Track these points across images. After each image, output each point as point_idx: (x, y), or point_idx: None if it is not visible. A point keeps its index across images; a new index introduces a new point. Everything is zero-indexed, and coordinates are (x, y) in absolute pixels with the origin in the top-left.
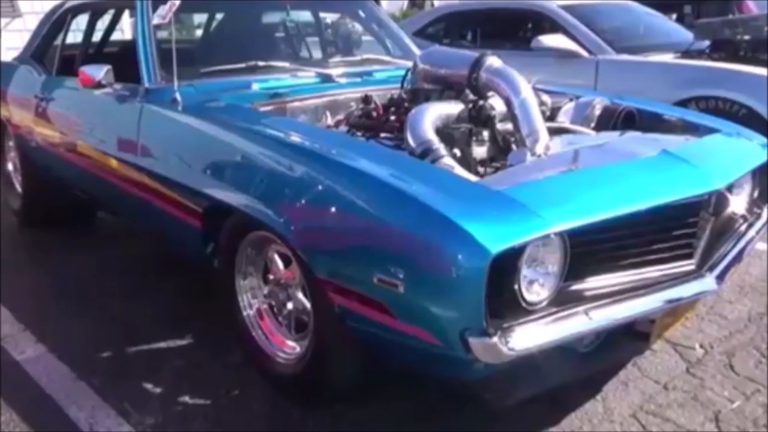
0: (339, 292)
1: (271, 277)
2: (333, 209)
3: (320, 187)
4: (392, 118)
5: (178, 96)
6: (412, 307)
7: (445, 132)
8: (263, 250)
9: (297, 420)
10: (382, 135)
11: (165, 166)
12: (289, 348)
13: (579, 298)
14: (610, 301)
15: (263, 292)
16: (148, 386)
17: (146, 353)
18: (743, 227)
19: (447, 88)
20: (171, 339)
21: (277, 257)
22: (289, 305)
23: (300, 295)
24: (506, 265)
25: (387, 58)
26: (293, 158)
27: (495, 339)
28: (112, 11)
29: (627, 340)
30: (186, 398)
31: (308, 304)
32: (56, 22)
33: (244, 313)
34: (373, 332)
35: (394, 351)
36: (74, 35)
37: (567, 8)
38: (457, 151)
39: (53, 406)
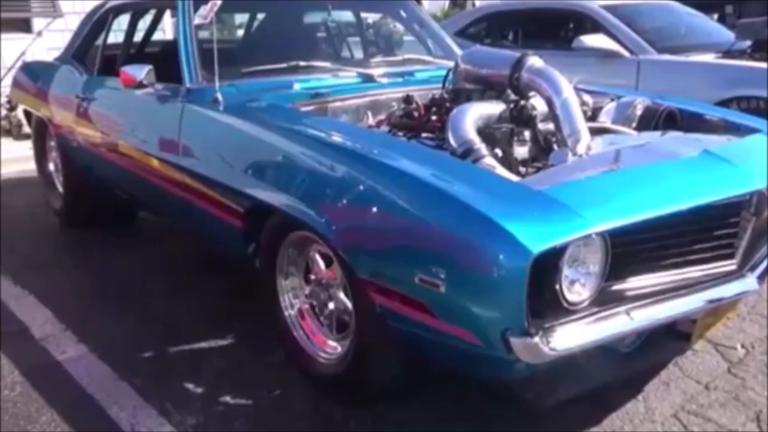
0: (380, 292)
1: (312, 277)
2: (374, 209)
3: (362, 187)
4: (434, 118)
5: (219, 96)
6: (453, 307)
7: (486, 132)
8: (304, 250)
9: (338, 420)
10: (424, 135)
11: (206, 166)
12: (331, 348)
13: (620, 298)
14: (652, 301)
15: (305, 292)
16: (190, 386)
17: (188, 353)
18: None
19: (488, 88)
20: (212, 339)
21: (318, 257)
22: (331, 305)
23: (341, 295)
24: (547, 265)
25: (428, 58)
26: (335, 158)
27: (536, 339)
28: (153, 11)
29: (668, 340)
30: (227, 398)
31: (350, 304)
32: (97, 22)
33: (286, 313)
34: (415, 332)
35: (435, 351)
36: (115, 35)
37: (608, 8)
38: (498, 151)
39: (94, 406)
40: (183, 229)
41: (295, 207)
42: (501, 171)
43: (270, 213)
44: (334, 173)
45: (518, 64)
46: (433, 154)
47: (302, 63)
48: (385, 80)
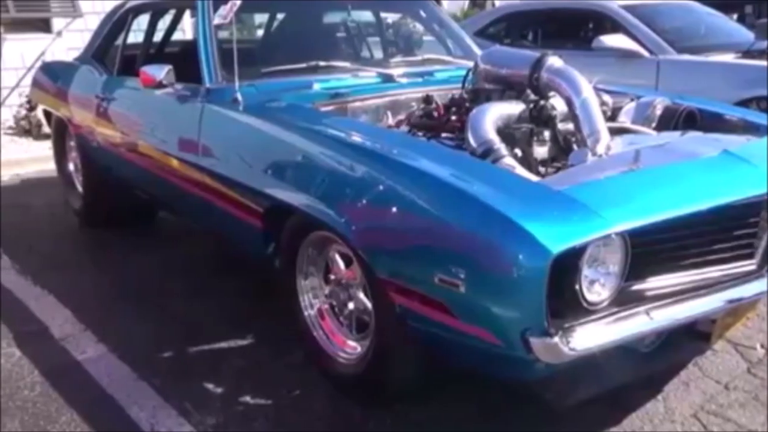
0: (400, 292)
1: (332, 277)
2: (394, 209)
3: (381, 187)
4: (453, 118)
5: (239, 96)
6: (473, 307)
7: (506, 132)
8: (324, 249)
9: (358, 420)
10: (443, 135)
11: (226, 166)
12: (350, 348)
13: (640, 298)
14: (671, 301)
15: (324, 292)
16: (210, 386)
17: (207, 353)
18: None
19: (508, 88)
20: (232, 339)
21: (338, 257)
22: (350, 305)
23: (361, 295)
24: (567, 265)
25: (448, 58)
26: (354, 158)
27: (556, 339)
28: (173, 11)
29: (688, 340)
30: (247, 398)
31: (369, 304)
32: (117, 23)
33: (305, 313)
34: (434, 332)
35: (454, 351)
36: (135, 35)
37: (628, 8)
38: (518, 151)
39: (114, 406)
40: (203, 229)
41: (314, 207)
42: (521, 171)
43: (290, 213)
44: (354, 173)
45: (538, 64)
46: (453, 154)
47: (322, 63)
48: (404, 80)
